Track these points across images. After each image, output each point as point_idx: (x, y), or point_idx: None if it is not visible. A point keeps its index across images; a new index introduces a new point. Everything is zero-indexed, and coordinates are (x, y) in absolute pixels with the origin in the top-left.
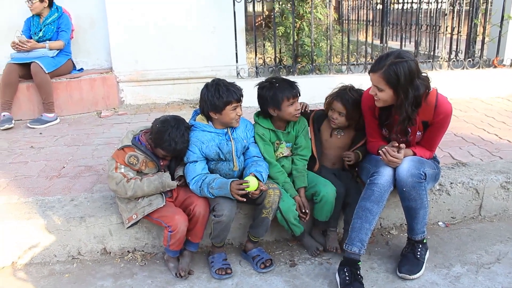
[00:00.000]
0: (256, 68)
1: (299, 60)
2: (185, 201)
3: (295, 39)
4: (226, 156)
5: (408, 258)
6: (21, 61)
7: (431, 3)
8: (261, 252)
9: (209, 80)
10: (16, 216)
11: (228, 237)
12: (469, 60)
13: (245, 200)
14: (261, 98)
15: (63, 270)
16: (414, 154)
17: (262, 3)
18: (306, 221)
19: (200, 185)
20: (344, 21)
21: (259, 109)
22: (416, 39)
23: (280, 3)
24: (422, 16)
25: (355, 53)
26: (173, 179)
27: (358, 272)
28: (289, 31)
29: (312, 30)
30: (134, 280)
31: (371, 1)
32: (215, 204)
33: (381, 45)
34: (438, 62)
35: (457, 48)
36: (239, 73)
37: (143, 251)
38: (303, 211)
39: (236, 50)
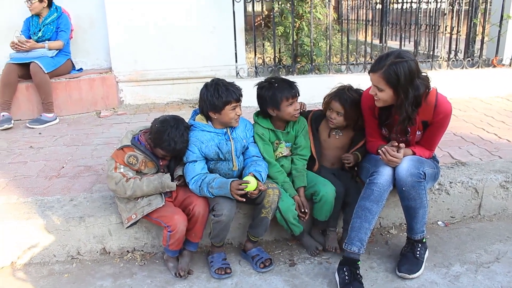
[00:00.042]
0: (256, 68)
1: (299, 60)
2: (184, 201)
3: (295, 39)
4: (226, 156)
5: (408, 258)
6: (20, 61)
7: (430, 2)
8: (260, 251)
9: (209, 80)
10: (15, 216)
11: (228, 237)
12: (469, 60)
13: (244, 200)
14: (260, 98)
15: (63, 270)
16: (414, 153)
17: (262, 3)
18: (306, 220)
19: (199, 185)
20: (344, 21)
21: (259, 109)
22: (416, 38)
23: (280, 3)
24: (422, 15)
25: (355, 53)
26: (172, 179)
27: (358, 272)
28: (288, 31)
29: (311, 30)
30: (133, 280)
31: (371, 1)
32: (215, 204)
33: (381, 44)
34: (438, 61)
35: (456, 47)
36: (238, 73)
37: (142, 251)
38: (302, 210)
39: (236, 50)
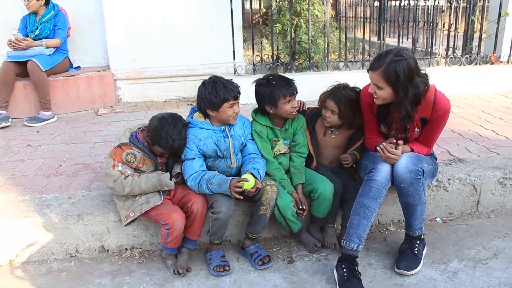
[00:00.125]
0: (254, 65)
1: (297, 57)
2: (182, 198)
3: (293, 36)
4: (224, 153)
5: (406, 254)
6: (18, 59)
7: None
8: (259, 248)
9: (207, 77)
10: (14, 214)
11: (226, 234)
12: (467, 57)
13: (241, 198)
14: (258, 96)
15: (61, 268)
16: (412, 150)
17: (259, 0)
18: (304, 217)
19: (198, 182)
20: (342, 18)
21: (257, 106)
22: (414, 36)
23: (278, 0)
24: (420, 13)
25: (353, 50)
26: (170, 176)
27: (356, 268)
28: (286, 28)
29: (309, 27)
30: (132, 278)
31: None
32: (213, 201)
33: (379, 42)
34: (436, 58)
35: (454, 44)
36: (236, 70)
37: (141, 248)
38: (301, 207)
39: (234, 48)
